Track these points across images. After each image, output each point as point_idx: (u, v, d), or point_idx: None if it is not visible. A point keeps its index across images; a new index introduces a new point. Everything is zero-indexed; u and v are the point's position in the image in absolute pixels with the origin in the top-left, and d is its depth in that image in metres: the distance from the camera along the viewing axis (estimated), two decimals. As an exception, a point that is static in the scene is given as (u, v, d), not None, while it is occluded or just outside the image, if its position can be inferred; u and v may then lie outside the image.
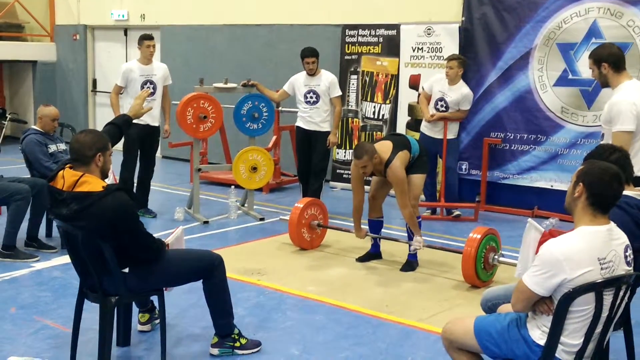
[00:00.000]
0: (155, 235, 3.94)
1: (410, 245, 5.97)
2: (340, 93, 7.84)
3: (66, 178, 3.62)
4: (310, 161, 7.82)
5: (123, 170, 7.60)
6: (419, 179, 5.95)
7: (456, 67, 7.79)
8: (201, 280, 4.09)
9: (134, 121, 7.11)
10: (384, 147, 5.79)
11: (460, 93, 7.87)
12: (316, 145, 7.77)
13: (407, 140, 5.98)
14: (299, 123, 7.89)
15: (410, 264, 6.08)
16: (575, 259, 2.87)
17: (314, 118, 7.72)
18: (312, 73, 7.68)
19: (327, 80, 7.72)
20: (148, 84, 7.56)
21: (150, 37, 7.68)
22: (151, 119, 7.53)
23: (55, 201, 3.63)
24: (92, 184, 3.59)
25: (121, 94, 7.72)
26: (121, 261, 3.74)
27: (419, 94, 8.54)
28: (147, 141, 7.70)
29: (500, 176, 8.51)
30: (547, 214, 7.80)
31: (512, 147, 8.41)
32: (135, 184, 7.74)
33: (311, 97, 7.70)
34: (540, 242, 3.27)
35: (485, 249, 5.54)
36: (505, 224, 7.85)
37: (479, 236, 5.51)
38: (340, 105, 7.86)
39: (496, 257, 5.61)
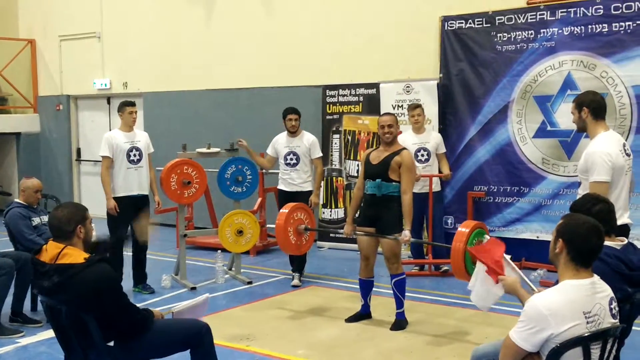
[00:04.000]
0: (142, 304, 3.91)
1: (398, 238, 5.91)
2: (321, 154, 7.84)
3: (49, 250, 3.65)
4: None
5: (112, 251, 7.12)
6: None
7: (423, 113, 7.99)
8: (188, 350, 4.04)
9: (123, 194, 7.21)
10: None
11: (435, 136, 8.07)
12: None
13: None
14: (281, 186, 7.84)
15: (400, 323, 6.02)
16: (560, 314, 2.87)
17: (295, 180, 7.69)
18: (294, 130, 7.66)
19: (307, 141, 7.71)
20: (134, 150, 7.29)
21: (132, 104, 7.40)
22: (140, 188, 7.33)
23: (38, 273, 3.64)
24: (74, 256, 3.60)
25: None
26: (106, 334, 3.69)
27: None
28: (138, 212, 7.27)
29: (486, 229, 8.53)
30: (534, 265, 7.85)
31: (496, 200, 8.47)
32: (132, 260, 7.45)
33: (291, 159, 7.69)
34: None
35: (473, 243, 5.41)
36: (494, 276, 7.81)
37: (467, 230, 5.37)
38: (321, 166, 7.86)
39: None
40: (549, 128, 8.11)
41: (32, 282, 3.74)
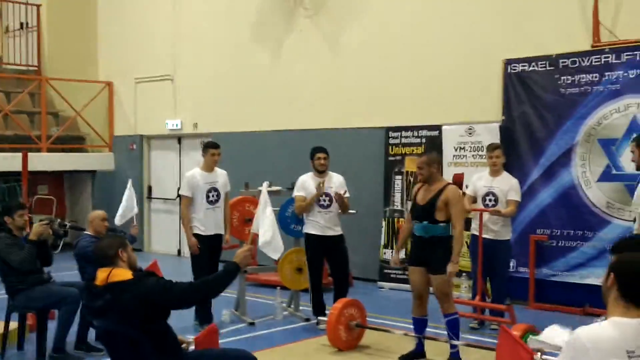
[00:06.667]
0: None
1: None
2: (348, 195, 7.52)
3: (99, 276, 3.87)
4: (334, 268, 7.57)
5: None
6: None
7: (502, 156, 7.37)
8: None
9: (203, 233, 7.34)
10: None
11: (508, 182, 7.33)
12: (337, 249, 7.47)
13: None
14: (310, 230, 7.46)
15: (454, 362, 5.98)
16: (602, 348, 2.83)
17: (329, 222, 7.41)
18: (323, 170, 7.46)
19: (338, 180, 7.51)
20: (212, 191, 7.46)
21: (216, 146, 7.60)
22: (217, 227, 7.46)
23: (91, 295, 3.85)
24: (122, 275, 3.84)
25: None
26: (161, 358, 3.82)
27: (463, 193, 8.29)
28: (214, 251, 7.53)
29: (549, 273, 8.39)
30: (599, 312, 7.61)
31: (559, 244, 8.33)
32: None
33: (324, 200, 7.43)
34: None
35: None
36: (556, 322, 7.63)
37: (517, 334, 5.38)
38: (347, 203, 7.50)
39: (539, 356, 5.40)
40: (614, 172, 7.98)
41: (84, 306, 3.95)
